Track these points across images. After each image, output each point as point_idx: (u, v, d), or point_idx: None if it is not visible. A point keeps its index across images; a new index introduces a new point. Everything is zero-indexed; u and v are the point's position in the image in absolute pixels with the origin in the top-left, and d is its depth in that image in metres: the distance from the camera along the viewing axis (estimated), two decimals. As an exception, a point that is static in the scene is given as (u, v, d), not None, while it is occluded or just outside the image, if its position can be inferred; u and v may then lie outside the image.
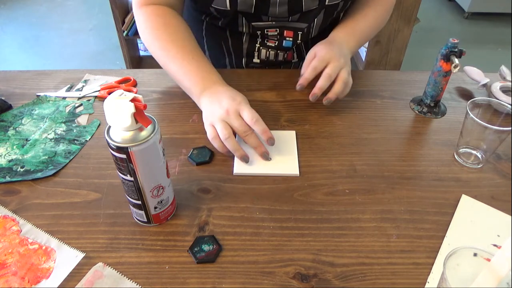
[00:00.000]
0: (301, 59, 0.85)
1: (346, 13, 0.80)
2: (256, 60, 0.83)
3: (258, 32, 0.78)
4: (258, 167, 0.59)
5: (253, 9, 0.70)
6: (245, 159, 0.59)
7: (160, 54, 0.69)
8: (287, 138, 0.64)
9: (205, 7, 0.73)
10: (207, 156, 0.61)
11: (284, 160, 0.61)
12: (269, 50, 0.81)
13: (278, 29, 0.77)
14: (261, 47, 0.81)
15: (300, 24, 0.76)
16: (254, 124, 0.58)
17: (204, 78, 0.65)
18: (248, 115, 0.58)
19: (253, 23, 0.75)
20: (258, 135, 0.59)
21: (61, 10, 3.07)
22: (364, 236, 0.51)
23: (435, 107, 0.72)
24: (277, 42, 0.79)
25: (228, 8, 0.70)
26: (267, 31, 0.77)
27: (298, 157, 0.61)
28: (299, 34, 0.77)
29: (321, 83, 0.66)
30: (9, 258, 0.48)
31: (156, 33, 0.69)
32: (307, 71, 0.67)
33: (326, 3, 0.71)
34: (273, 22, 0.75)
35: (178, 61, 0.67)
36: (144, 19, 0.71)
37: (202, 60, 0.67)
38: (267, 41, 0.79)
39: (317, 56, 0.68)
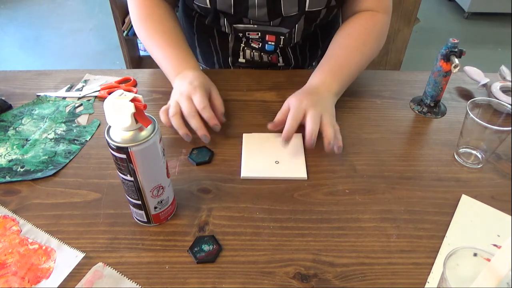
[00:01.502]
0: (288, 63, 0.84)
1: (329, 46, 0.72)
2: (241, 59, 0.83)
3: (240, 34, 0.78)
4: (266, 170, 0.59)
5: (232, 9, 0.71)
6: (187, 137, 0.61)
7: (147, 43, 0.73)
8: (294, 141, 0.64)
9: (190, 3, 0.74)
10: (207, 156, 0.61)
11: (291, 163, 0.60)
12: (253, 51, 0.81)
13: (259, 33, 0.77)
14: (245, 47, 0.81)
15: (281, 29, 0.75)
16: (201, 110, 0.62)
17: (179, 64, 0.70)
18: (197, 100, 0.62)
19: (234, 25, 0.75)
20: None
21: (61, 10, 3.07)
22: (364, 236, 0.51)
23: (435, 107, 0.72)
24: (260, 44, 0.79)
25: (208, 5, 0.71)
26: (248, 33, 0.77)
27: (306, 160, 0.61)
28: (281, 39, 0.77)
29: (311, 127, 0.58)
30: (9, 258, 0.48)
31: (143, 23, 0.74)
32: (287, 122, 0.60)
33: (306, 9, 0.70)
34: (255, 26, 0.75)
35: (160, 48, 0.71)
36: (133, 7, 0.75)
37: (182, 46, 0.72)
38: (251, 41, 0.79)
39: (292, 107, 0.61)
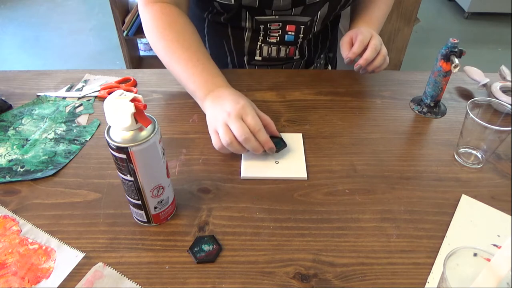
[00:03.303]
0: (303, 56, 0.85)
1: (357, 6, 0.84)
2: (258, 57, 0.83)
3: (261, 27, 0.78)
4: (266, 170, 0.59)
5: (257, 3, 0.70)
6: (255, 152, 0.58)
7: (164, 54, 0.68)
8: (294, 141, 0.64)
9: (209, 3, 0.74)
10: (281, 142, 0.62)
11: (291, 163, 0.60)
12: (271, 46, 0.81)
13: (280, 23, 0.77)
14: (262, 45, 0.81)
15: (302, 18, 0.76)
16: (257, 132, 0.57)
17: (208, 82, 0.64)
18: (251, 122, 0.57)
19: (256, 17, 0.75)
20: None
21: (61, 10, 3.07)
22: (364, 236, 0.51)
23: (435, 107, 0.72)
24: (278, 37, 0.79)
25: (233, 2, 0.70)
26: (269, 25, 0.77)
27: (305, 160, 0.61)
28: (301, 28, 0.77)
29: (368, 54, 0.70)
30: (9, 258, 0.48)
31: (162, 33, 0.68)
32: (355, 45, 0.71)
33: None
34: (276, 16, 0.75)
35: (182, 62, 0.66)
36: (150, 17, 0.70)
37: (208, 62, 0.66)
38: (269, 38, 0.79)
39: (359, 34, 0.72)
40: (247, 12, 0.74)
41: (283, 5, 0.72)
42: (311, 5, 0.73)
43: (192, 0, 0.81)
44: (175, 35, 0.68)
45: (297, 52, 0.83)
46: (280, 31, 0.78)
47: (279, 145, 0.61)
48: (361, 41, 0.71)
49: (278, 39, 0.80)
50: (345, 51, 0.73)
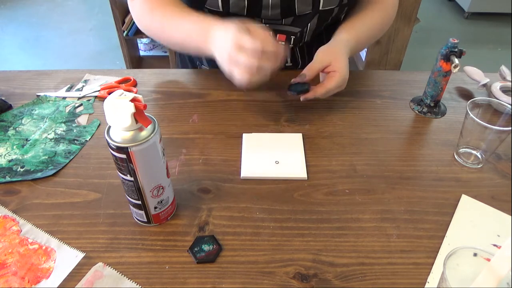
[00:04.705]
0: (297, 64, 0.84)
1: (347, 16, 0.79)
2: None
3: None
4: (266, 170, 0.59)
5: (245, 11, 0.70)
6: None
7: (160, 27, 0.69)
8: (294, 141, 0.64)
9: (199, 7, 0.73)
10: (306, 85, 0.65)
11: (291, 163, 0.60)
12: None
13: (270, 33, 0.76)
14: None
15: (293, 28, 0.75)
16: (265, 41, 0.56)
17: (204, 27, 0.63)
18: (259, 31, 0.57)
19: None
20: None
21: (61, 10, 3.07)
22: (364, 236, 0.51)
23: (435, 107, 0.72)
24: None
25: (221, 9, 0.70)
26: None
27: (305, 160, 0.61)
28: (292, 39, 0.77)
29: (318, 95, 0.66)
30: (9, 258, 0.48)
31: (154, 13, 0.69)
32: (330, 88, 0.65)
33: (320, 8, 0.70)
34: (266, 25, 0.75)
35: (177, 24, 0.66)
36: (139, 4, 0.71)
37: (201, 14, 0.66)
38: None
39: (341, 76, 0.65)
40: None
41: (272, 15, 0.71)
42: (302, 16, 0.72)
43: (186, 1, 0.81)
44: (165, 11, 0.68)
45: (288, 60, 0.83)
46: None
47: (301, 87, 0.65)
48: (313, 70, 0.66)
49: None
50: (311, 72, 0.67)
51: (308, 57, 0.85)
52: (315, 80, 0.67)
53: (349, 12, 0.79)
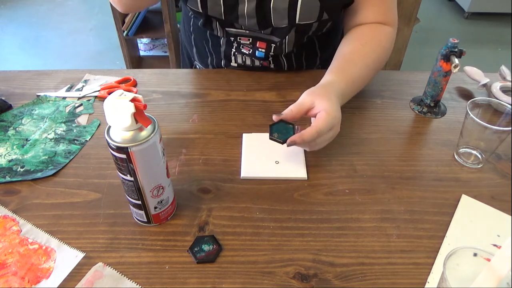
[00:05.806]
0: (281, 69, 0.81)
1: (338, 53, 0.70)
2: (233, 63, 0.82)
3: (231, 38, 0.77)
4: (266, 170, 0.59)
5: (223, 16, 0.70)
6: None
7: None
8: None
9: (184, 4, 0.73)
10: (291, 130, 0.57)
11: (291, 163, 0.60)
12: (244, 56, 0.79)
13: (251, 39, 0.75)
14: (236, 53, 0.79)
15: (272, 37, 0.74)
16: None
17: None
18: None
19: (226, 29, 0.74)
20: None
21: (61, 10, 3.07)
22: (364, 236, 0.51)
23: (435, 107, 0.72)
24: (251, 50, 0.77)
25: (200, 10, 0.69)
26: (239, 38, 0.76)
27: (305, 160, 0.61)
28: (272, 47, 0.75)
29: (306, 139, 0.55)
30: (9, 258, 0.48)
31: None
32: (318, 131, 0.56)
33: (297, 22, 0.68)
34: (247, 31, 0.74)
35: None
36: None
37: None
38: (242, 47, 0.78)
39: (329, 119, 0.56)
40: (217, 23, 0.73)
41: (250, 25, 0.71)
42: (279, 28, 0.71)
43: None
44: None
45: (272, 65, 0.80)
46: (251, 45, 0.76)
47: (287, 134, 0.57)
48: (292, 109, 0.58)
49: (250, 52, 0.77)
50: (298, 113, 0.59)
51: (296, 65, 0.82)
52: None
53: (342, 47, 0.71)
